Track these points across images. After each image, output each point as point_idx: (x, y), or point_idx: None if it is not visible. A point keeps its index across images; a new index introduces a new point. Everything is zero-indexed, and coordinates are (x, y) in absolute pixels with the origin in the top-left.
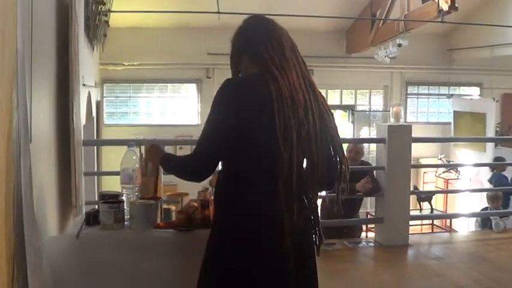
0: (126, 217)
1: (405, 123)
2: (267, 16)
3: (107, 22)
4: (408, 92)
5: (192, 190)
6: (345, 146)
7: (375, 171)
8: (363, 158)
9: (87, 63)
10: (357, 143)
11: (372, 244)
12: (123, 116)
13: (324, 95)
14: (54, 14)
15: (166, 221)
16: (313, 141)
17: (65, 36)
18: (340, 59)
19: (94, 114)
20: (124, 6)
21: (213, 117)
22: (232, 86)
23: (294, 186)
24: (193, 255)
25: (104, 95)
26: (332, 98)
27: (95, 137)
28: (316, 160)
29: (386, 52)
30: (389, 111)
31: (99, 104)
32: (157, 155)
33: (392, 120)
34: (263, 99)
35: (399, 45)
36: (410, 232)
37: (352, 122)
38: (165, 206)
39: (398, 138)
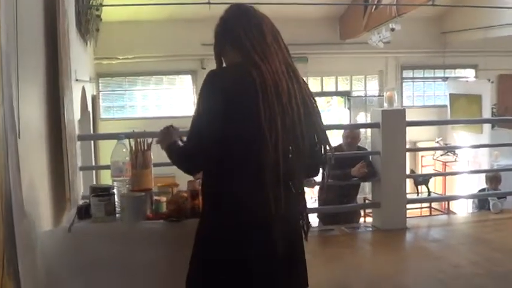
0: (117, 209)
1: (399, 108)
2: (248, 4)
3: (98, 16)
4: (403, 76)
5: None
6: (340, 132)
7: (370, 156)
8: (359, 144)
9: (80, 58)
10: (353, 129)
11: (369, 229)
12: (119, 109)
13: (319, 81)
14: (42, 10)
15: (157, 212)
16: (298, 128)
17: (54, 32)
18: (334, 46)
19: (90, 108)
20: None
21: (200, 110)
22: (216, 78)
23: (281, 174)
24: (184, 245)
25: (100, 89)
26: (327, 84)
27: (91, 131)
28: (301, 147)
29: (380, 37)
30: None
31: (94, 99)
32: (165, 141)
33: (386, 105)
34: (247, 88)
35: (392, 29)
36: (408, 216)
37: (348, 108)
38: (156, 197)
39: (393, 122)
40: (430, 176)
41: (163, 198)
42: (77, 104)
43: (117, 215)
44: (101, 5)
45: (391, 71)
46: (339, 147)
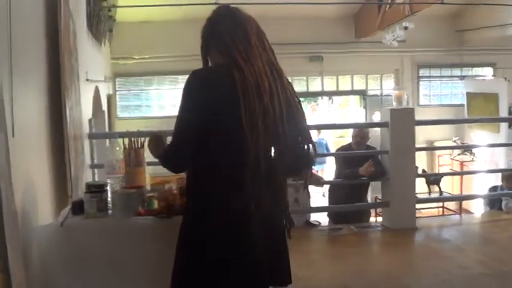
0: (110, 206)
1: (408, 107)
2: (234, 5)
3: (111, 17)
4: (420, 75)
5: None
6: (350, 131)
7: (380, 155)
8: (368, 143)
9: (93, 58)
10: (362, 128)
11: (379, 228)
12: (136, 108)
13: (334, 81)
14: (43, 12)
15: (149, 209)
16: (280, 128)
17: (56, 33)
18: (349, 44)
19: (104, 108)
20: (129, 0)
21: (181, 110)
22: (197, 78)
23: (262, 173)
24: (173, 241)
25: (117, 89)
26: (343, 83)
27: (107, 130)
28: (283, 147)
29: (394, 36)
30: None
31: (110, 98)
32: (157, 148)
33: (395, 104)
34: (228, 89)
35: (405, 28)
36: (423, 215)
37: (364, 107)
38: (149, 194)
39: (401, 121)
40: (441, 175)
41: (156, 195)
42: (87, 103)
43: (110, 212)
44: (114, 6)
45: (407, 69)
46: (348, 147)
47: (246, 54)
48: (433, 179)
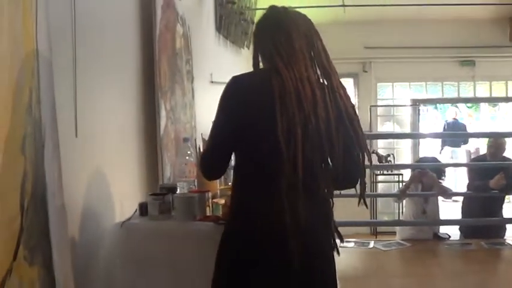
0: None
1: None
2: (282, 5)
3: (245, 20)
4: None
5: None
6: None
7: None
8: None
9: (223, 61)
10: (497, 138)
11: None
12: None
13: (488, 87)
14: (138, 17)
15: (214, 214)
16: (324, 137)
17: (151, 34)
18: (504, 49)
19: None
20: (269, 2)
21: (217, 116)
22: (235, 85)
23: (300, 185)
24: None
25: None
26: (497, 89)
27: None
28: (327, 156)
29: None
30: None
31: None
32: None
33: None
34: (266, 96)
35: None
36: None
37: None
38: (215, 199)
39: None
40: None
41: (222, 201)
42: (209, 105)
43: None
44: (248, 8)
45: None
46: (483, 157)
47: (288, 60)
48: None
